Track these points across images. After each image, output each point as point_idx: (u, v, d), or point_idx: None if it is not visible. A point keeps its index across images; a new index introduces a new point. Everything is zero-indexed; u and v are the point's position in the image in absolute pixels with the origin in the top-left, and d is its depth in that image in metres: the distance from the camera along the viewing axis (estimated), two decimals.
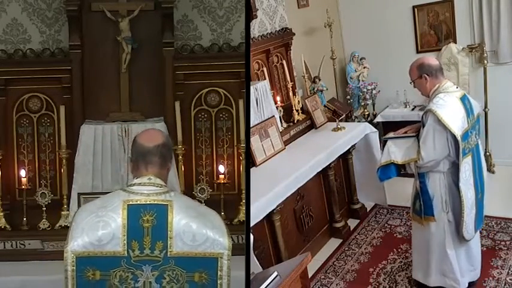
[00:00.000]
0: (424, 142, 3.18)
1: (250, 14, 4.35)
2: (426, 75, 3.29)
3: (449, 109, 3.14)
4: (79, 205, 3.53)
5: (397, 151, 3.37)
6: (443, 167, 3.25)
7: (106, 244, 1.91)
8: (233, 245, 3.57)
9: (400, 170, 3.40)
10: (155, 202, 1.96)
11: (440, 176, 3.27)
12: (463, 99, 3.25)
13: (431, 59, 3.38)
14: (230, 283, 2.00)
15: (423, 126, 3.22)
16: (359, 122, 5.86)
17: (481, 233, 4.31)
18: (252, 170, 4.11)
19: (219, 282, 1.98)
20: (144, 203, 1.95)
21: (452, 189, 3.27)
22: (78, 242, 1.92)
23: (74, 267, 1.93)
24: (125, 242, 1.91)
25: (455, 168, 3.22)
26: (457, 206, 3.27)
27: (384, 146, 3.54)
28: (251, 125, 4.15)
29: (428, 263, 3.49)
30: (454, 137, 3.10)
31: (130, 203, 1.95)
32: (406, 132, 3.45)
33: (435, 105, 3.15)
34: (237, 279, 2.85)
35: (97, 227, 1.92)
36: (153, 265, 1.93)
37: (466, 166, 3.20)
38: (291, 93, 5.02)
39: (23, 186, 3.66)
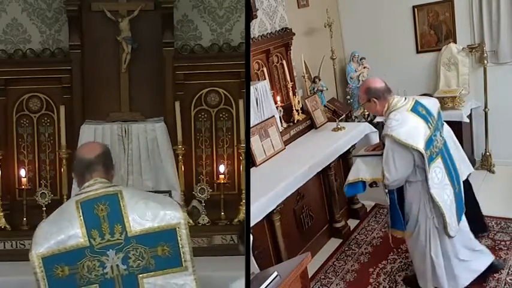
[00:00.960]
0: (386, 164, 3.21)
1: (250, 14, 4.35)
2: (374, 99, 3.34)
3: (406, 127, 3.15)
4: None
5: (365, 169, 3.45)
6: (420, 176, 3.26)
7: (68, 240, 2.01)
8: (233, 245, 3.61)
9: (372, 185, 3.48)
10: (105, 193, 2.09)
11: (420, 184, 3.29)
12: (415, 108, 3.24)
13: (377, 81, 3.40)
14: (192, 251, 2.12)
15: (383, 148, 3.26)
16: (359, 122, 5.86)
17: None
18: (252, 170, 4.11)
19: (181, 251, 2.09)
20: (94, 197, 2.08)
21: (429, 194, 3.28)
22: (42, 245, 2.02)
23: (42, 268, 2.02)
24: (85, 233, 2.01)
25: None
26: (435, 210, 3.29)
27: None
28: (251, 125, 4.15)
29: (424, 272, 3.51)
30: (419, 151, 3.13)
31: (82, 200, 2.08)
32: (375, 149, 3.53)
33: (389, 128, 3.17)
34: (237, 279, 2.86)
35: (58, 230, 2.03)
36: (116, 248, 2.03)
37: (436, 170, 3.23)
38: (291, 93, 5.02)
39: (23, 186, 3.66)
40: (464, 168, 3.88)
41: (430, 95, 3.97)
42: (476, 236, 3.78)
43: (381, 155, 3.31)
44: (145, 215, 2.05)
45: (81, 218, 2.02)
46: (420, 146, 3.11)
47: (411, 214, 3.38)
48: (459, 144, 4.12)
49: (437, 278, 3.45)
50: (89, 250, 2.01)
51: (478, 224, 4.05)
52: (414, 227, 3.40)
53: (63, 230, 2.01)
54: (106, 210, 2.04)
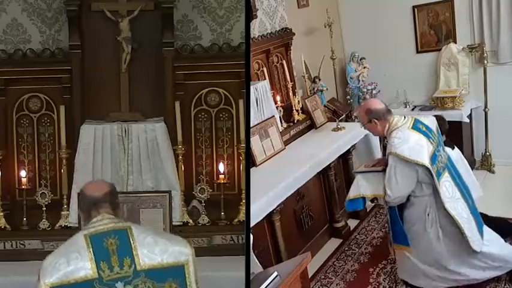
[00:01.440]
0: (388, 181, 3.26)
1: (250, 14, 4.34)
2: (375, 120, 3.39)
3: (409, 144, 3.19)
4: (79, 205, 3.53)
5: (366, 185, 3.51)
6: (427, 190, 3.29)
7: (77, 271, 2.00)
8: (233, 245, 3.62)
9: (373, 200, 3.57)
10: (114, 228, 2.09)
11: (427, 199, 3.31)
12: (415, 126, 3.30)
13: (377, 102, 3.46)
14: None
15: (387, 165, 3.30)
16: (359, 122, 5.86)
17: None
18: (252, 170, 4.11)
19: None
20: (104, 231, 2.08)
21: (440, 208, 3.29)
22: (51, 275, 2.01)
23: None
24: (94, 265, 2.01)
25: (436, 189, 3.27)
26: (445, 223, 3.30)
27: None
28: (251, 125, 4.15)
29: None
30: (425, 167, 3.16)
31: (91, 234, 2.07)
32: (375, 165, 3.57)
33: (393, 146, 3.21)
34: (237, 279, 2.86)
35: (66, 261, 2.02)
36: (125, 281, 2.02)
37: (446, 184, 3.27)
38: (291, 93, 5.02)
39: (23, 186, 3.66)
40: (473, 191, 3.81)
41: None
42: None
43: (382, 171, 3.38)
44: (154, 250, 2.06)
45: (91, 250, 2.02)
46: (426, 161, 3.15)
47: (412, 229, 3.40)
48: (469, 168, 4.18)
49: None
50: (98, 282, 2.01)
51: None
52: (416, 240, 3.42)
53: (72, 262, 2.01)
54: (115, 243, 2.04)
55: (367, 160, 4.03)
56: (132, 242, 2.05)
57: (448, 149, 3.74)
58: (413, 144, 3.19)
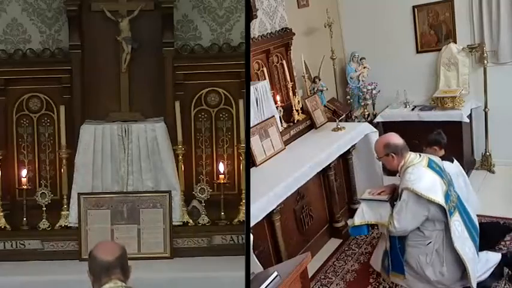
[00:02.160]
0: (398, 213, 3.31)
1: (250, 14, 4.34)
2: (393, 154, 3.43)
3: (425, 181, 3.25)
4: (79, 205, 3.54)
5: (370, 212, 3.57)
6: (440, 226, 3.33)
7: None
8: (233, 245, 3.61)
9: (373, 227, 3.67)
10: None
11: (435, 234, 3.35)
12: (430, 164, 3.35)
13: (396, 137, 3.49)
14: None
15: (399, 198, 3.33)
16: (359, 122, 5.86)
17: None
18: (252, 170, 4.11)
19: None
20: None
21: (448, 246, 3.33)
22: None
23: None
24: None
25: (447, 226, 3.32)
26: (450, 260, 3.33)
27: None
28: (251, 125, 4.15)
29: None
30: (439, 205, 3.21)
31: None
32: (380, 194, 3.61)
33: (409, 182, 3.26)
34: (237, 279, 2.86)
35: None
36: None
37: (456, 223, 3.31)
38: (291, 93, 5.02)
39: (23, 186, 3.66)
40: (471, 205, 3.87)
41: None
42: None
43: (387, 200, 3.47)
44: None
45: None
46: (440, 199, 3.21)
47: (411, 260, 3.43)
48: (469, 182, 4.21)
49: None
50: None
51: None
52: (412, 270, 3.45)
53: None
54: None
55: (371, 186, 4.04)
56: None
57: (447, 163, 3.80)
58: (428, 182, 3.25)
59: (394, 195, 3.54)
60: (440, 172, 3.39)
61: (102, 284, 2.15)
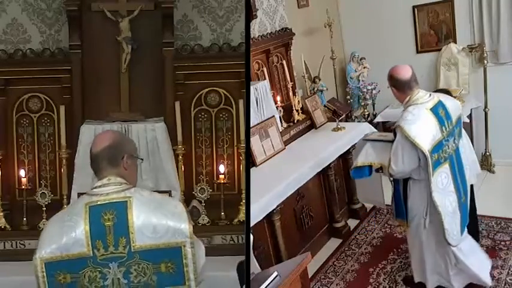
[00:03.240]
0: (394, 154, 3.22)
1: (250, 14, 4.35)
2: (393, 88, 3.34)
3: (418, 124, 3.13)
4: None
5: (373, 153, 3.47)
6: (420, 175, 3.25)
7: (72, 247, 1.96)
8: (233, 245, 3.60)
9: (378, 170, 3.49)
10: (114, 200, 2.01)
11: (423, 184, 3.27)
12: (435, 108, 3.21)
13: (403, 70, 3.32)
14: (197, 269, 2.04)
15: (394, 136, 3.26)
16: (359, 122, 5.86)
17: (481, 233, 4.32)
18: (252, 170, 4.11)
19: (185, 269, 2.01)
20: (103, 202, 2.01)
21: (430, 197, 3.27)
22: (45, 250, 1.98)
23: (44, 273, 1.99)
24: (89, 242, 1.96)
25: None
26: (432, 212, 3.28)
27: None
28: (251, 125, 4.15)
29: (414, 263, 3.60)
30: (423, 153, 3.11)
31: (91, 204, 2.01)
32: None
33: (404, 120, 3.17)
34: (237, 279, 2.86)
35: (62, 233, 1.98)
36: (119, 262, 1.97)
37: (442, 175, 3.21)
38: (291, 93, 5.02)
39: (23, 186, 3.66)
40: (470, 175, 3.70)
41: (447, 91, 3.85)
42: None
43: (391, 141, 3.30)
44: (150, 229, 1.97)
45: (88, 225, 1.96)
46: (425, 147, 3.09)
47: (412, 209, 3.38)
48: (472, 147, 4.03)
49: (424, 275, 3.53)
50: (91, 260, 1.96)
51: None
52: (412, 221, 3.42)
53: (66, 233, 1.97)
54: (113, 220, 1.97)
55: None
56: (129, 219, 1.97)
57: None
58: (421, 126, 3.12)
59: None
60: (443, 119, 3.21)
61: (99, 177, 2.09)
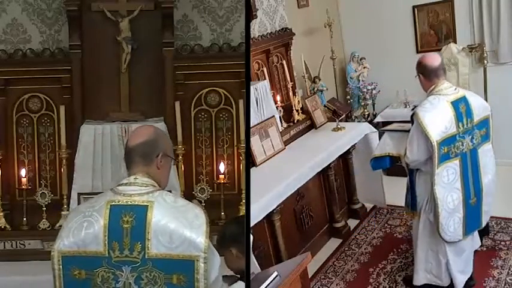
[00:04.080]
0: (409, 143, 3.22)
1: (250, 14, 4.34)
2: (421, 75, 3.33)
3: (434, 113, 3.12)
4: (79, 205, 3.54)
5: (392, 144, 3.47)
6: (426, 167, 3.24)
7: (89, 244, 1.95)
8: None
9: (396, 161, 3.47)
10: (135, 203, 1.97)
11: (426, 177, 3.26)
12: (457, 102, 3.19)
13: (432, 58, 3.32)
14: (208, 285, 1.98)
15: (412, 123, 3.25)
16: (359, 122, 5.86)
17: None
18: (252, 170, 4.11)
19: (195, 285, 1.96)
20: (125, 203, 1.97)
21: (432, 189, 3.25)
22: (64, 242, 1.97)
23: (61, 266, 1.97)
24: (106, 242, 1.94)
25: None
26: (433, 206, 3.27)
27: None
28: (251, 125, 4.15)
29: (415, 260, 3.56)
30: (431, 143, 3.09)
31: (113, 203, 1.98)
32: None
33: (421, 107, 3.17)
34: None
35: (82, 227, 1.96)
36: (132, 266, 1.94)
37: (449, 170, 3.19)
38: (291, 93, 5.01)
39: (23, 186, 3.66)
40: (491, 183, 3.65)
41: None
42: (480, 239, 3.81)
43: (408, 130, 3.29)
44: (167, 238, 1.93)
45: (107, 225, 1.94)
46: (434, 137, 3.07)
47: (418, 200, 3.38)
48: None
49: (432, 270, 3.50)
50: (106, 261, 1.94)
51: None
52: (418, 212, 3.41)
53: (85, 228, 1.95)
54: (131, 223, 1.94)
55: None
56: (147, 225, 1.93)
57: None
58: (436, 116, 3.11)
59: None
60: (462, 116, 3.17)
61: (129, 173, 2.03)
